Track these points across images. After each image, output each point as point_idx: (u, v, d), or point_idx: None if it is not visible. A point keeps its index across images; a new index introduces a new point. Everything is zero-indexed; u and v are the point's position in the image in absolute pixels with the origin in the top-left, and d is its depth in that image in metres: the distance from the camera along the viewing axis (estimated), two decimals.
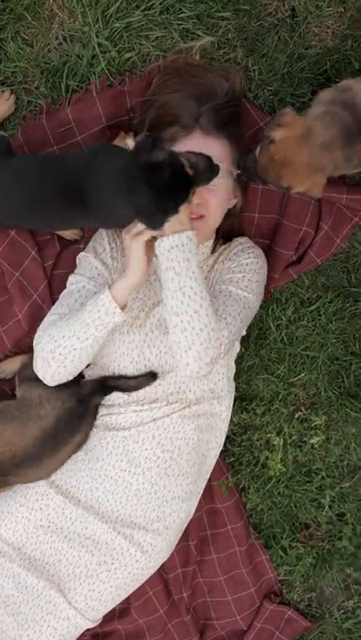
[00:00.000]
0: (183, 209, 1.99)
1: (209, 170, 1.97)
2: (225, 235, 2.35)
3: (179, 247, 2.00)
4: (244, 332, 2.35)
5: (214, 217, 2.18)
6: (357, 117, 2.00)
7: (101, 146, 2.17)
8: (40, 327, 2.15)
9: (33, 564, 2.23)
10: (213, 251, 2.31)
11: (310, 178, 2.01)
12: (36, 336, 2.14)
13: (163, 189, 1.91)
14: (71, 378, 2.15)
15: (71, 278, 2.22)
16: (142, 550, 2.23)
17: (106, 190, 1.96)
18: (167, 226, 1.98)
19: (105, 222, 2.11)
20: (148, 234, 2.02)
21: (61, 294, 2.21)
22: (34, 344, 2.14)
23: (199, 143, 2.14)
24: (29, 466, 2.21)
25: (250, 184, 2.28)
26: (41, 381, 2.17)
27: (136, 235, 2.04)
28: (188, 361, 2.04)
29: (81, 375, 2.28)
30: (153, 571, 2.33)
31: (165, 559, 2.35)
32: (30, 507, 2.25)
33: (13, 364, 2.40)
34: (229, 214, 2.30)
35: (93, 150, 2.04)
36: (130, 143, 2.06)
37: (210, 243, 2.31)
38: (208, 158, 1.98)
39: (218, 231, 2.32)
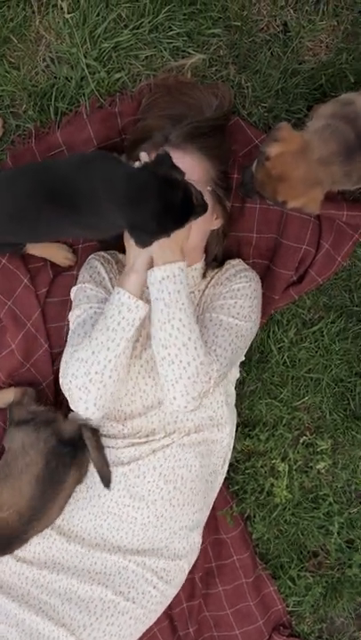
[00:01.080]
0: (176, 239, 1.96)
1: (203, 204, 1.97)
2: (217, 258, 2.31)
3: (170, 278, 1.97)
4: (242, 358, 2.32)
5: (193, 239, 2.11)
6: (359, 132, 1.98)
7: (97, 152, 2.14)
8: (62, 364, 2.07)
9: (41, 608, 2.15)
10: (205, 275, 2.27)
11: (307, 193, 1.99)
12: (62, 372, 2.06)
13: (172, 209, 1.89)
14: (114, 401, 2.07)
15: (75, 311, 2.16)
16: (158, 576, 2.18)
17: (103, 197, 1.92)
18: (159, 256, 1.97)
19: (92, 231, 2.06)
20: None
21: (70, 332, 2.14)
22: (61, 382, 2.06)
23: None
24: (39, 518, 2.15)
25: (229, 205, 2.25)
26: (22, 424, 2.10)
27: None
28: (174, 395, 2.00)
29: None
30: (168, 602, 2.28)
31: (178, 589, 2.30)
32: (32, 550, 2.20)
33: (7, 395, 2.33)
34: (217, 237, 2.26)
35: (87, 156, 2.01)
36: (143, 156, 2.02)
37: (199, 266, 2.26)
38: (202, 194, 1.98)
39: (208, 255, 2.28)
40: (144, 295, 2.11)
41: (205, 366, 1.99)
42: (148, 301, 2.09)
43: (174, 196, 1.89)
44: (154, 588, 2.19)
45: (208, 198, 2.11)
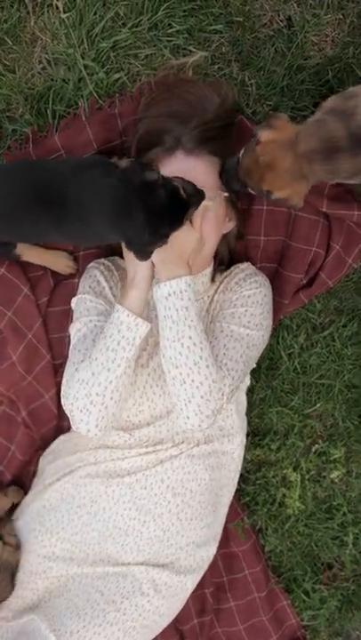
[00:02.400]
0: (180, 250, 1.93)
1: (196, 194, 1.91)
2: (225, 262, 2.28)
3: (177, 294, 1.94)
4: (253, 365, 2.27)
5: (208, 244, 2.08)
6: (351, 129, 1.94)
7: (94, 158, 2.10)
8: (63, 384, 2.05)
9: (40, 607, 2.15)
10: (213, 279, 2.23)
11: (292, 185, 1.98)
12: (63, 392, 2.04)
13: (160, 212, 1.84)
14: (116, 421, 2.04)
15: (76, 325, 2.13)
16: (155, 589, 2.14)
17: (94, 210, 1.87)
18: (162, 270, 1.94)
19: (78, 240, 2.02)
20: None
21: (71, 347, 2.11)
22: (63, 403, 2.04)
23: (181, 164, 2.06)
24: None
25: (240, 205, 2.22)
26: None
27: None
28: (187, 414, 1.97)
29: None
30: (166, 621, 2.23)
31: (179, 609, 2.25)
32: (33, 570, 2.18)
33: (3, 502, 2.32)
34: (226, 240, 2.23)
35: (83, 162, 1.97)
36: (123, 163, 1.97)
37: (208, 271, 2.22)
38: (192, 183, 1.93)
39: (216, 258, 2.25)
40: (148, 308, 2.09)
41: (218, 383, 1.97)
42: (153, 311, 2.05)
43: (156, 197, 1.84)
44: (148, 602, 2.14)
45: (223, 203, 2.10)
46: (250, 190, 2.04)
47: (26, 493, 2.32)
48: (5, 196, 1.93)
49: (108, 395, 1.98)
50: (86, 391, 1.98)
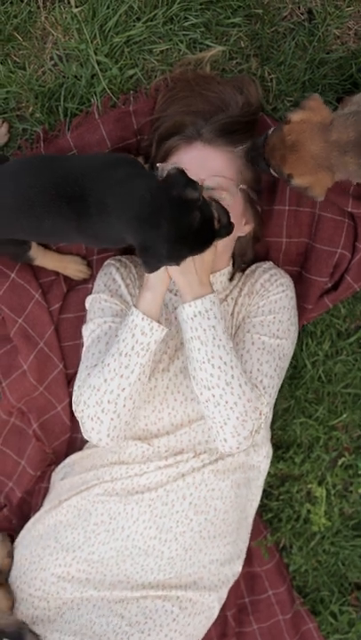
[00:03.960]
0: (203, 267, 1.90)
1: (228, 225, 1.87)
2: (247, 261, 2.24)
3: (202, 314, 1.91)
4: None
5: (222, 244, 2.02)
6: None
7: (123, 157, 2.05)
8: (75, 389, 2.01)
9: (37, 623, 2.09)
10: (232, 279, 2.18)
11: (315, 173, 1.95)
12: (74, 398, 1.99)
13: (187, 234, 1.79)
14: (130, 430, 1.99)
15: (89, 325, 2.08)
16: (180, 606, 2.08)
17: (115, 210, 1.82)
18: (186, 288, 1.90)
19: (97, 239, 1.96)
20: None
21: (84, 349, 2.07)
22: (74, 409, 2.00)
23: (199, 153, 2.03)
24: None
25: (259, 206, 2.16)
26: None
27: None
28: (225, 437, 1.94)
29: None
30: None
31: (204, 631, 2.19)
32: (46, 590, 2.11)
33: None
34: (245, 242, 2.19)
35: (112, 159, 1.94)
36: (161, 168, 1.92)
37: (226, 271, 2.17)
38: (228, 213, 1.89)
39: (236, 259, 2.21)
40: (167, 310, 2.07)
41: (253, 402, 1.93)
42: (173, 312, 2.01)
43: (191, 219, 1.78)
44: (174, 620, 2.08)
45: (239, 199, 2.06)
46: (273, 172, 2.00)
47: (36, 511, 2.26)
48: (25, 191, 1.90)
49: (120, 402, 1.93)
50: (98, 398, 1.93)
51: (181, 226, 1.78)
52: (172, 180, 1.79)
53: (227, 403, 1.90)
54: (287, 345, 2.08)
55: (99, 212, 1.83)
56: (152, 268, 1.81)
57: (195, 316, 1.90)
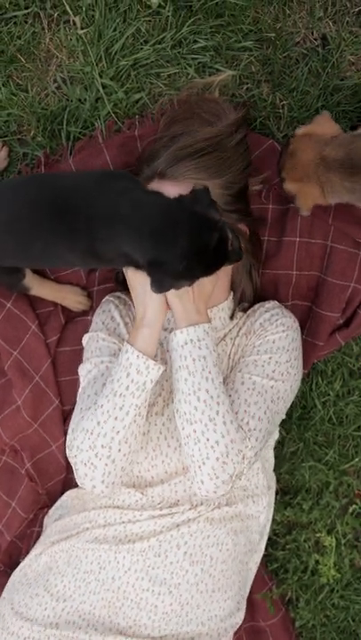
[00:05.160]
0: (201, 294, 1.85)
1: (238, 252, 1.85)
2: (248, 299, 2.18)
3: (194, 342, 1.84)
4: (282, 418, 2.16)
5: (221, 273, 1.94)
6: None
7: (123, 171, 2.02)
8: (69, 432, 1.94)
9: None
10: (232, 317, 2.12)
11: (303, 182, 1.99)
12: (67, 443, 1.93)
13: (204, 253, 1.76)
14: (126, 476, 1.93)
15: (86, 365, 2.03)
16: None
17: (123, 222, 1.76)
18: (181, 314, 1.85)
19: (91, 258, 1.89)
20: None
21: (80, 390, 2.02)
22: (67, 454, 1.94)
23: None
24: None
25: (246, 231, 2.10)
26: None
27: None
28: (202, 478, 1.86)
29: None
30: None
31: None
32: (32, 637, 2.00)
33: None
34: (240, 272, 2.13)
35: (111, 172, 1.93)
36: (172, 191, 1.86)
37: (225, 305, 2.10)
38: (239, 240, 1.90)
39: (235, 293, 2.15)
40: (162, 349, 2.02)
41: (237, 444, 1.84)
42: (168, 349, 1.95)
43: (210, 238, 1.75)
44: None
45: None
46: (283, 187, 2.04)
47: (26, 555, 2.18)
48: (16, 212, 1.85)
49: (115, 447, 1.86)
50: (91, 442, 1.86)
51: (201, 244, 1.75)
52: (196, 197, 1.76)
53: (208, 440, 1.82)
54: (283, 388, 1.99)
55: (103, 222, 1.79)
56: (163, 287, 1.75)
57: (185, 343, 1.84)
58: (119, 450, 1.86)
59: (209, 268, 1.79)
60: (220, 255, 1.79)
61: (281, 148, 2.04)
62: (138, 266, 1.78)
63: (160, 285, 1.75)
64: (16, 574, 2.11)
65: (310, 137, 1.96)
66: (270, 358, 1.98)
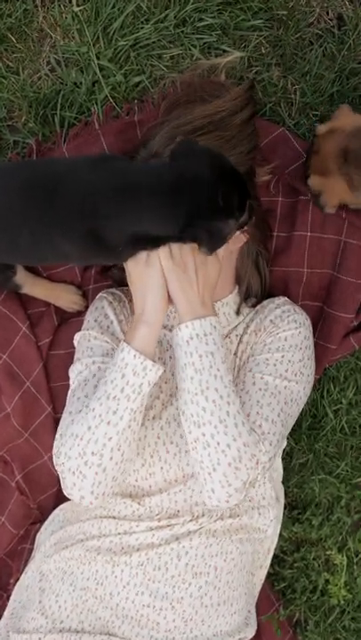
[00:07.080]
0: (207, 285, 1.77)
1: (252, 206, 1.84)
2: (256, 294, 2.12)
3: (200, 337, 1.75)
4: (293, 423, 2.08)
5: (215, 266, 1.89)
6: None
7: (106, 153, 2.04)
8: (56, 438, 1.87)
9: None
10: (238, 312, 2.05)
11: (327, 176, 1.96)
12: (55, 450, 1.85)
13: (230, 174, 1.72)
14: (118, 486, 1.85)
15: (77, 366, 1.95)
16: None
17: (145, 192, 1.68)
18: (185, 308, 1.76)
19: (95, 247, 1.79)
20: (167, 258, 1.75)
21: (69, 392, 1.94)
22: (54, 462, 1.86)
23: None
24: None
25: (250, 221, 2.02)
26: None
27: (148, 262, 1.78)
28: (212, 486, 1.77)
29: None
30: None
31: None
32: None
33: None
34: (244, 263, 2.05)
35: (96, 156, 1.81)
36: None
37: (230, 300, 2.03)
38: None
39: (240, 286, 2.09)
40: (161, 348, 1.95)
41: (250, 448, 1.76)
42: (167, 351, 1.90)
43: (225, 160, 1.72)
44: None
45: None
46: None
47: (18, 576, 2.13)
48: (1, 199, 1.76)
49: (107, 454, 1.77)
50: (80, 449, 1.77)
51: (221, 164, 1.70)
52: (183, 144, 1.73)
53: (218, 444, 1.74)
54: (297, 389, 1.92)
55: (96, 202, 1.70)
56: (218, 242, 1.70)
57: (191, 338, 1.75)
58: (111, 458, 1.78)
59: (243, 191, 1.72)
60: (243, 181, 1.73)
61: (306, 153, 2.01)
62: (156, 243, 1.70)
63: (215, 242, 1.69)
64: (12, 599, 2.07)
65: (331, 130, 1.93)
66: (283, 357, 1.92)
